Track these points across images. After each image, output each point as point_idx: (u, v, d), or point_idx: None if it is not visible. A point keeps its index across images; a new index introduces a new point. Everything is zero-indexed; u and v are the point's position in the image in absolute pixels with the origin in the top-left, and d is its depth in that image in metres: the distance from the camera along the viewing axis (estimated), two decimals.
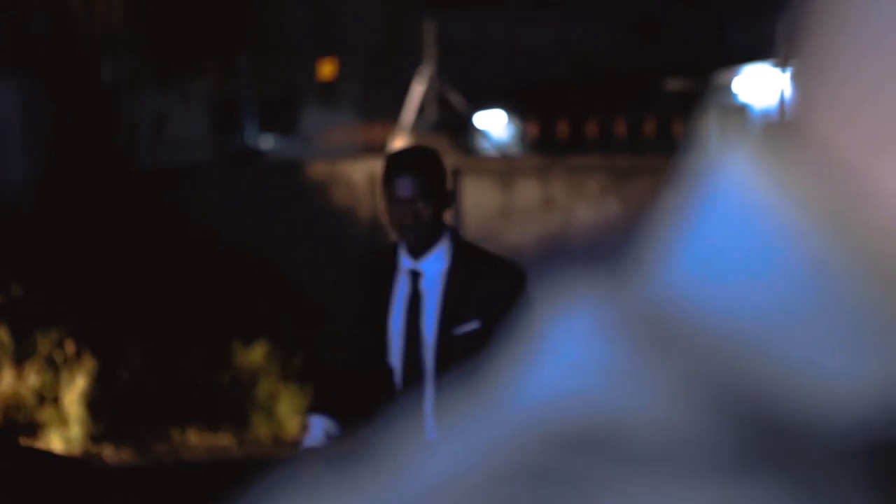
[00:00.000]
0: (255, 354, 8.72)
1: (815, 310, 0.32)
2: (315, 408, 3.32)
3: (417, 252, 3.13)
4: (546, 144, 11.62)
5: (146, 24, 18.76)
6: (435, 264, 3.13)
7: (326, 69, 20.24)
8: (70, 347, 8.22)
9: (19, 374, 7.95)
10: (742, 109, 14.95)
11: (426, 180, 3.09)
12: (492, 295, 3.04)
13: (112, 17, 17.06)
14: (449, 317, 3.11)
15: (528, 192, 10.15)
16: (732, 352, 0.33)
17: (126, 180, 14.78)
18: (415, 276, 3.15)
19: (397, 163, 3.16)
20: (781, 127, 0.36)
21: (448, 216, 3.22)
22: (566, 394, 0.35)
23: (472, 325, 3.08)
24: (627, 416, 0.33)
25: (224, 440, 7.73)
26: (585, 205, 9.73)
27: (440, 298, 3.13)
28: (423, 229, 3.08)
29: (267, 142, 19.39)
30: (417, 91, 11.85)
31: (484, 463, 0.34)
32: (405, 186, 3.06)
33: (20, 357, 8.30)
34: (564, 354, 0.35)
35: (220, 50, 19.75)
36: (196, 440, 7.69)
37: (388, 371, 3.20)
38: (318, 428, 3.20)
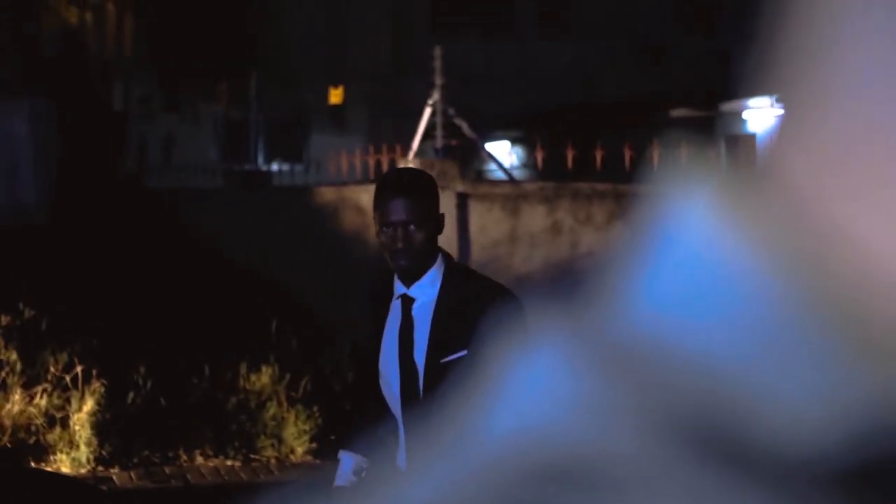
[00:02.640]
0: (263, 378, 8.75)
1: (779, 344, 0.33)
2: (344, 443, 3.27)
3: (409, 277, 3.03)
4: (553, 170, 11.66)
5: (157, 47, 18.87)
6: (426, 290, 3.03)
7: (335, 95, 20.33)
8: (79, 369, 8.26)
9: (28, 396, 7.98)
10: (750, 138, 14.97)
11: (419, 203, 2.99)
12: (482, 322, 2.88)
13: (123, 40, 17.17)
14: (437, 344, 2.99)
15: (535, 217, 10.19)
16: (700, 384, 0.33)
17: (136, 202, 14.84)
18: (406, 302, 3.05)
19: (389, 185, 3.07)
20: (754, 165, 0.37)
21: (441, 240, 3.15)
22: (539, 425, 0.35)
23: (460, 354, 2.95)
24: (599, 448, 0.33)
25: (231, 463, 7.76)
26: (593, 231, 9.76)
27: (430, 325, 3.02)
28: (414, 254, 2.97)
29: (276, 165, 19.46)
30: (425, 116, 11.90)
31: (460, 494, 0.35)
32: (397, 209, 2.96)
33: (29, 378, 8.33)
34: (537, 386, 0.36)
35: (230, 74, 19.84)
36: (203, 463, 7.72)
37: (382, 398, 3.11)
38: (348, 465, 3.14)
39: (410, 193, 3.00)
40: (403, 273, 3.02)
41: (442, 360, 2.97)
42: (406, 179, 3.14)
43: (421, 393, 3.00)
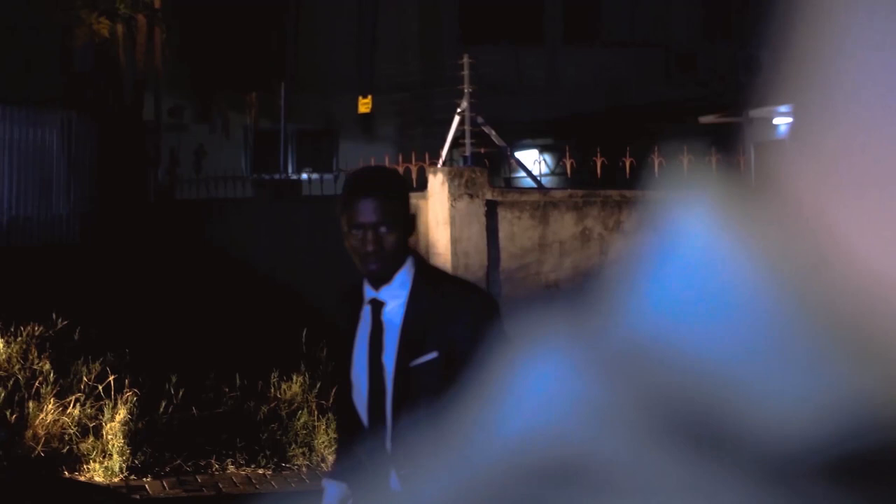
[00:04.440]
0: (294, 387, 8.78)
1: (774, 345, 0.35)
2: (331, 469, 3.15)
3: (379, 281, 2.88)
4: (582, 178, 11.65)
5: (188, 59, 18.98)
6: (396, 293, 2.88)
7: (364, 104, 20.39)
8: (111, 379, 8.32)
9: (61, 406, 8.04)
10: (781, 144, 14.87)
11: (389, 204, 2.84)
12: (453, 324, 2.78)
13: (154, 52, 17.29)
14: (407, 348, 2.84)
15: (564, 225, 10.19)
16: (698, 384, 0.35)
17: (167, 214, 14.93)
18: (376, 306, 2.90)
19: (359, 185, 2.90)
20: (760, 177, 0.39)
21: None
22: (541, 427, 0.36)
23: (430, 357, 2.81)
24: (601, 448, 0.35)
25: (262, 472, 7.79)
26: (622, 237, 9.75)
27: (400, 329, 2.86)
28: (385, 257, 2.83)
29: (305, 175, 19.53)
30: (454, 125, 11.91)
31: (465, 494, 0.36)
32: (367, 211, 2.81)
33: (62, 388, 8.40)
34: (539, 389, 0.37)
35: (260, 84, 19.94)
36: (235, 471, 7.75)
37: (357, 415, 2.96)
38: (332, 495, 2.99)
39: (380, 194, 2.84)
40: (373, 277, 2.88)
41: (412, 364, 2.83)
42: (376, 179, 2.94)
43: (391, 399, 2.86)
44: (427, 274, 2.92)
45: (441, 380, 2.73)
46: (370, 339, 2.90)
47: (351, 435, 3.01)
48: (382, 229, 2.81)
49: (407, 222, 2.90)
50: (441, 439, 0.39)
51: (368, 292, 2.91)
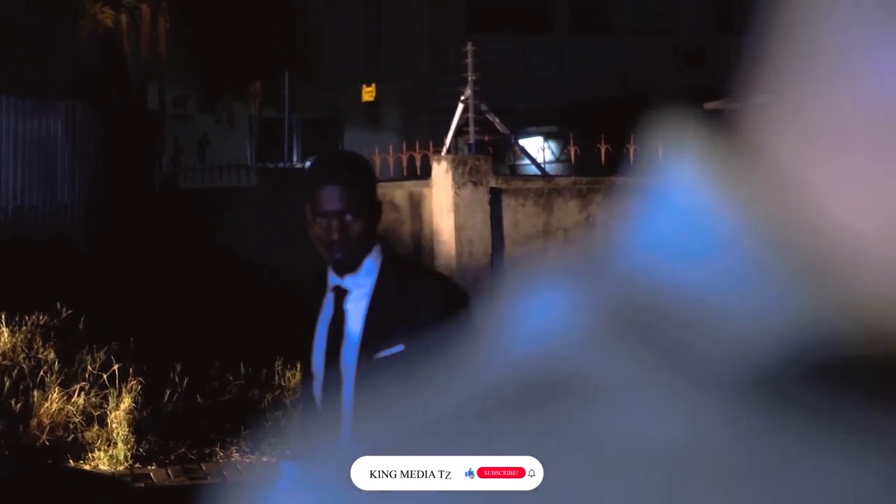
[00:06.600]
0: (298, 374, 8.78)
1: (746, 283, 0.41)
2: (290, 452, 3.11)
3: (344, 269, 2.80)
4: (587, 165, 11.64)
5: (192, 48, 18.98)
6: (361, 281, 2.79)
7: (367, 93, 20.36)
8: (116, 367, 8.33)
9: (66, 394, 8.05)
10: (767, 113, 14.88)
11: (355, 191, 2.76)
12: (420, 315, 2.68)
13: (158, 41, 17.28)
14: (371, 339, 2.74)
15: (568, 212, 10.17)
16: (681, 314, 0.41)
17: (171, 203, 14.94)
18: (339, 294, 2.81)
19: (323, 171, 2.83)
20: (745, 144, 0.45)
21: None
22: (541, 350, 0.42)
23: (396, 349, 2.70)
24: (595, 365, 0.40)
25: (267, 459, 7.80)
26: (625, 223, 9.73)
27: (363, 319, 2.77)
28: (351, 245, 2.75)
29: (310, 163, 19.51)
30: (458, 112, 11.89)
31: (469, 396, 0.42)
32: (332, 198, 2.73)
33: (67, 377, 8.41)
34: (542, 321, 0.43)
35: (265, 74, 19.92)
36: (239, 459, 7.76)
37: (316, 397, 2.87)
38: (289, 477, 2.84)
39: (346, 181, 2.76)
40: (339, 266, 2.79)
41: (376, 356, 2.72)
42: (341, 165, 2.87)
43: (351, 390, 2.74)
44: (395, 263, 2.83)
45: (407, 373, 2.65)
46: (329, 329, 2.80)
47: (311, 421, 2.96)
48: (348, 217, 2.73)
49: (373, 209, 2.81)
50: (402, 422, 0.44)
51: (332, 279, 2.83)
